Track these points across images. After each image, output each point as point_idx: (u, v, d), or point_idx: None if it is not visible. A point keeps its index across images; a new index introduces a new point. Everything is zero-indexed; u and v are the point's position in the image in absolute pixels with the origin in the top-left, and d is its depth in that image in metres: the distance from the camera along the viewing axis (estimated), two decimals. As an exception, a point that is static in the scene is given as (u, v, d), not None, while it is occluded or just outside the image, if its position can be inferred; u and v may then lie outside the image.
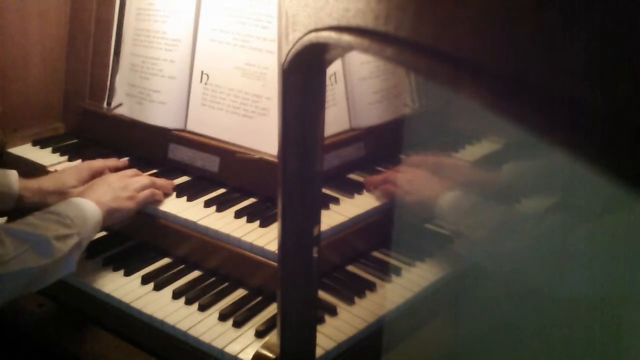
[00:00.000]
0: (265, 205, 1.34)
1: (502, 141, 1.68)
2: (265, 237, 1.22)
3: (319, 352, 1.04)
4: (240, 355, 1.06)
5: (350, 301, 1.19)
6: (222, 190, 1.41)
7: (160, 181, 1.38)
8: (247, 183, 1.39)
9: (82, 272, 1.24)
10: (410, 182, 1.36)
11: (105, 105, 1.63)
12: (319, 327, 1.09)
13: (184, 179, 1.46)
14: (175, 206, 1.34)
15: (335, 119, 1.47)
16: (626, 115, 0.30)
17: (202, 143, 1.46)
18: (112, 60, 1.62)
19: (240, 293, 1.23)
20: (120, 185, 1.29)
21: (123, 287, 1.23)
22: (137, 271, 1.28)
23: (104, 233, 1.37)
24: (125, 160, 1.53)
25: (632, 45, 0.29)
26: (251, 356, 1.04)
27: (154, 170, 1.49)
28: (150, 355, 1.17)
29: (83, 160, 1.52)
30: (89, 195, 1.24)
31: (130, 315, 1.19)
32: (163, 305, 1.18)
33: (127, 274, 1.27)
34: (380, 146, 1.55)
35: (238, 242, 1.23)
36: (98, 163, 1.43)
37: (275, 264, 1.14)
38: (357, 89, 1.51)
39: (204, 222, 1.28)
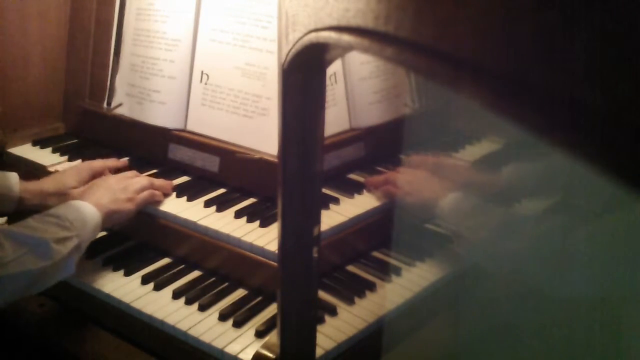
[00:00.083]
0: (265, 205, 1.34)
1: (502, 141, 1.68)
2: (265, 237, 1.22)
3: (319, 352, 1.04)
4: (240, 355, 1.06)
5: (350, 301, 1.19)
6: (222, 190, 1.41)
7: (160, 182, 1.38)
8: (247, 183, 1.39)
9: (82, 272, 1.24)
10: (411, 183, 1.36)
11: (105, 105, 1.63)
12: (319, 327, 1.09)
13: (184, 179, 1.46)
14: (175, 206, 1.34)
15: (335, 119, 1.47)
16: (626, 115, 0.30)
17: (202, 143, 1.46)
18: (112, 60, 1.62)
19: (240, 293, 1.23)
20: (119, 187, 1.29)
21: (123, 287, 1.23)
22: (137, 271, 1.28)
23: (104, 233, 1.37)
24: (125, 160, 1.53)
25: (632, 45, 0.29)
26: (251, 356, 1.04)
27: (154, 170, 1.49)
28: (150, 355, 1.17)
29: (83, 160, 1.52)
30: (88, 197, 1.24)
31: (130, 315, 1.19)
32: (163, 305, 1.18)
33: (127, 274, 1.27)
34: (380, 146, 1.55)
35: (238, 242, 1.23)
36: (98, 163, 1.43)
37: (275, 264, 1.14)
38: (357, 89, 1.51)
39: (204, 222, 1.28)
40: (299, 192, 0.80)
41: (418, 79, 1.67)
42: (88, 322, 1.25)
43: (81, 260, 1.19)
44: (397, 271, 1.29)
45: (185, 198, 1.37)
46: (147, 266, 1.30)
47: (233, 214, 1.30)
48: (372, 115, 1.54)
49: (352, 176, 1.48)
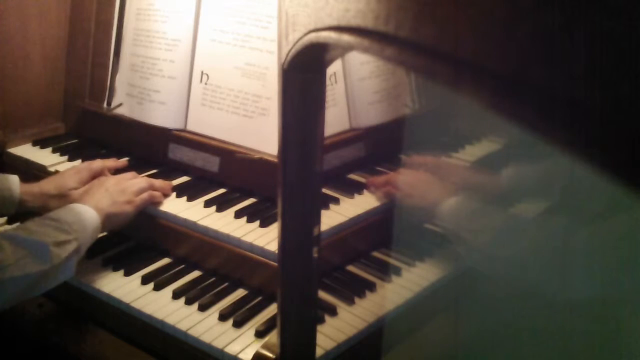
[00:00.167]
0: (265, 205, 1.34)
1: (502, 141, 1.68)
2: (265, 237, 1.22)
3: (319, 352, 1.04)
4: (240, 355, 1.06)
5: (350, 301, 1.19)
6: (222, 190, 1.41)
7: (159, 183, 1.38)
8: (247, 183, 1.39)
9: (82, 272, 1.24)
10: (412, 186, 1.36)
11: (105, 105, 1.63)
12: (319, 327, 1.09)
13: (184, 179, 1.46)
14: (176, 206, 1.34)
15: (335, 119, 1.47)
16: (626, 115, 0.30)
17: (202, 143, 1.46)
18: (112, 60, 1.62)
19: (240, 293, 1.23)
20: (118, 189, 1.29)
21: (123, 287, 1.23)
22: (137, 271, 1.28)
23: (104, 233, 1.37)
24: (124, 160, 1.53)
25: (632, 45, 0.29)
26: (251, 356, 1.04)
27: (154, 170, 1.49)
28: (150, 355, 1.17)
29: (83, 160, 1.52)
30: (87, 200, 1.24)
31: (130, 315, 1.19)
32: (163, 305, 1.18)
33: (127, 274, 1.27)
34: (380, 146, 1.55)
35: (238, 242, 1.23)
36: (97, 164, 1.43)
37: (275, 264, 1.14)
38: (357, 89, 1.51)
39: (204, 222, 1.28)
40: (299, 192, 0.80)
41: (418, 79, 1.67)
42: (88, 322, 1.25)
43: (81, 260, 1.19)
44: (397, 271, 1.29)
45: (185, 198, 1.37)
46: (147, 266, 1.30)
47: (233, 214, 1.30)
48: (372, 115, 1.54)
49: (352, 176, 1.48)
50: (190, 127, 1.49)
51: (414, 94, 1.67)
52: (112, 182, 1.31)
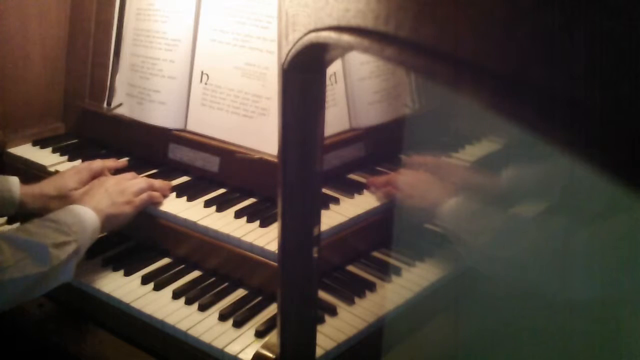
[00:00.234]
0: (265, 205, 1.34)
1: (502, 141, 1.68)
2: (265, 237, 1.22)
3: (319, 352, 1.04)
4: (240, 355, 1.06)
5: (350, 301, 1.19)
6: (222, 190, 1.41)
7: (158, 183, 1.37)
8: (247, 183, 1.39)
9: (82, 272, 1.24)
10: (413, 186, 1.36)
11: (105, 105, 1.63)
12: (319, 327, 1.09)
13: (184, 179, 1.46)
14: (176, 206, 1.34)
15: (335, 119, 1.47)
16: (626, 115, 0.30)
17: (202, 143, 1.46)
18: (112, 60, 1.62)
19: (240, 293, 1.23)
20: (117, 190, 1.29)
21: (123, 287, 1.23)
22: (137, 271, 1.28)
23: (103, 234, 1.37)
24: (124, 160, 1.53)
25: (632, 45, 0.29)
26: (251, 356, 1.04)
27: (154, 170, 1.49)
28: (150, 355, 1.17)
29: (83, 160, 1.52)
30: (87, 202, 1.24)
31: (130, 315, 1.19)
32: (163, 305, 1.18)
33: (127, 274, 1.27)
34: (380, 146, 1.55)
35: (238, 242, 1.23)
36: (97, 164, 1.43)
37: (275, 264, 1.14)
38: (357, 89, 1.51)
39: (204, 222, 1.28)
40: (299, 192, 0.80)
41: (418, 79, 1.67)
42: (88, 322, 1.25)
43: (81, 260, 1.19)
44: (397, 271, 1.29)
45: (185, 198, 1.37)
46: (147, 266, 1.30)
47: (233, 214, 1.30)
48: (372, 115, 1.54)
49: (352, 176, 1.48)
50: (190, 127, 1.49)
51: (414, 94, 1.67)
52: (111, 183, 1.31)
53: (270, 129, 1.36)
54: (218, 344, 1.08)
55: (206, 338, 1.10)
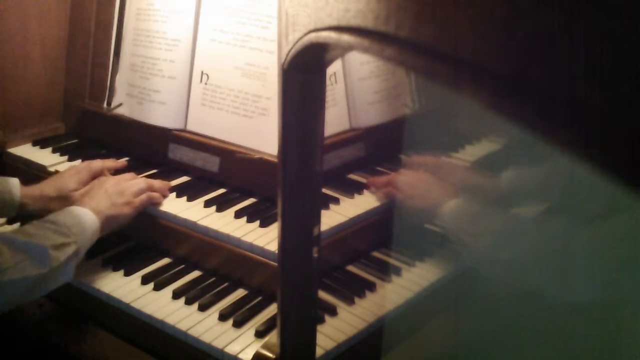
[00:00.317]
0: (265, 205, 1.34)
1: (502, 141, 1.68)
2: (265, 237, 1.22)
3: (319, 352, 1.04)
4: (240, 355, 1.06)
5: (350, 301, 1.19)
6: (222, 190, 1.41)
7: (157, 183, 1.37)
8: (247, 183, 1.39)
9: (82, 272, 1.24)
10: (413, 187, 1.36)
11: (105, 105, 1.63)
12: (319, 327, 1.09)
13: (184, 179, 1.46)
14: (176, 206, 1.34)
15: (335, 119, 1.47)
16: (626, 115, 0.30)
17: (202, 143, 1.46)
18: (112, 60, 1.62)
19: (240, 293, 1.23)
20: (116, 191, 1.29)
21: (123, 287, 1.23)
22: (137, 271, 1.28)
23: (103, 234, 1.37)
24: (123, 160, 1.53)
25: (632, 45, 0.29)
26: (251, 356, 1.04)
27: (154, 170, 1.49)
28: (150, 355, 1.17)
29: (83, 160, 1.52)
30: (86, 203, 1.24)
31: (130, 315, 1.19)
32: (163, 305, 1.18)
33: (127, 274, 1.27)
34: (380, 146, 1.55)
35: (238, 242, 1.23)
36: (97, 164, 1.43)
37: (275, 264, 1.14)
38: (357, 89, 1.51)
39: (204, 222, 1.28)
40: (299, 192, 0.79)
41: (418, 79, 1.67)
42: (88, 322, 1.25)
43: (81, 260, 1.19)
44: (397, 271, 1.29)
45: (185, 198, 1.37)
46: (147, 266, 1.30)
47: (233, 214, 1.30)
48: (372, 115, 1.54)
49: (352, 176, 1.48)
50: (190, 127, 1.49)
51: (414, 94, 1.67)
52: (111, 184, 1.31)
53: (270, 129, 1.36)
54: (218, 344, 1.08)
55: (206, 338, 1.10)
